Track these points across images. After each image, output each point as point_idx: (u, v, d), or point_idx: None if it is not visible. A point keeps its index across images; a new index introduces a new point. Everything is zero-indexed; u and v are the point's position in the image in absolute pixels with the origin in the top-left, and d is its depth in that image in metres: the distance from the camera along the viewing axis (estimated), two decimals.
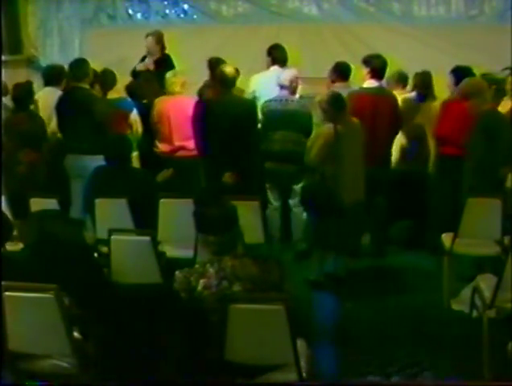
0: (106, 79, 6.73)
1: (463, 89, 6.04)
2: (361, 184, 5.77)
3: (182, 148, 6.68)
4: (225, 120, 6.14)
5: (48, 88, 7.00)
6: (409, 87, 6.99)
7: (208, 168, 6.47)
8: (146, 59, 7.90)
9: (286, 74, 6.61)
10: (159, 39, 7.92)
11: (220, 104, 6.24)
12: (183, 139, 6.68)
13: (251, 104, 6.47)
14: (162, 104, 6.73)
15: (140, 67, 7.84)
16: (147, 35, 7.94)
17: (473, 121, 5.75)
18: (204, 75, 7.28)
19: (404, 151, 6.61)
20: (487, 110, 5.77)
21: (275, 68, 7.06)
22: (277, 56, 7.25)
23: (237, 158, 6.15)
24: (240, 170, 6.18)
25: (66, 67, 7.14)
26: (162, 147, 6.75)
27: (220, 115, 6.17)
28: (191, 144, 6.67)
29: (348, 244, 5.96)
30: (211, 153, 6.31)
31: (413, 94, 6.74)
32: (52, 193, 5.38)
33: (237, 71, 6.47)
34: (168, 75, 6.79)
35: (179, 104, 6.66)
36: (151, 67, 7.81)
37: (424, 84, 6.64)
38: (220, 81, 6.30)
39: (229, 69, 6.33)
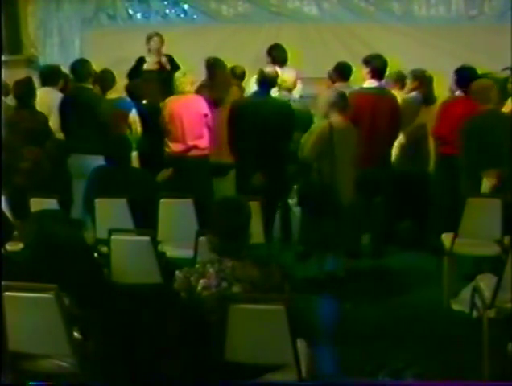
0: (106, 79, 6.73)
1: (472, 90, 5.98)
2: (352, 184, 5.78)
3: (195, 147, 6.64)
4: (262, 120, 6.04)
5: (45, 88, 6.99)
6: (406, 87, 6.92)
7: (241, 169, 6.32)
8: (148, 59, 7.90)
9: (287, 75, 6.62)
10: (163, 40, 7.98)
11: (259, 104, 6.14)
12: (195, 138, 6.64)
13: (289, 105, 6.32)
14: (173, 104, 6.68)
15: (149, 66, 7.85)
16: (152, 36, 7.95)
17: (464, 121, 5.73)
18: (204, 75, 7.29)
19: (404, 151, 6.61)
20: (481, 112, 5.71)
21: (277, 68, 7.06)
22: (276, 56, 7.27)
23: (270, 160, 6.06)
24: (271, 171, 6.07)
25: (66, 67, 7.15)
26: (174, 147, 6.65)
27: (259, 115, 6.06)
28: (202, 143, 6.65)
29: (346, 243, 5.96)
30: (245, 154, 6.18)
31: (413, 94, 6.70)
32: (54, 192, 5.38)
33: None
34: (178, 74, 6.76)
35: (190, 103, 6.63)
36: (157, 66, 7.85)
37: (429, 86, 6.62)
38: (261, 82, 6.22)
39: (269, 69, 6.31)
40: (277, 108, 6.16)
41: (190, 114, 6.61)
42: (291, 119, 6.15)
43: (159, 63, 7.90)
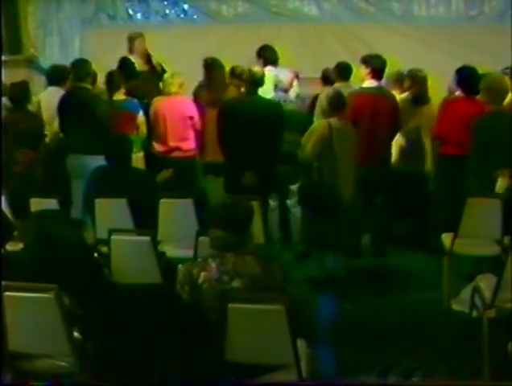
0: (113, 80, 6.71)
1: (484, 88, 5.93)
2: (352, 183, 5.77)
3: (177, 148, 6.67)
4: (251, 119, 6.01)
5: (52, 88, 7.01)
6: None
7: (230, 168, 6.28)
8: (134, 60, 7.78)
9: (285, 75, 6.63)
10: (144, 39, 7.84)
11: (248, 103, 6.14)
12: (178, 140, 6.67)
13: (279, 105, 6.34)
14: (158, 104, 6.71)
15: (141, 67, 7.79)
16: (136, 36, 7.75)
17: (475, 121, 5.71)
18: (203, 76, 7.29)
19: (403, 151, 6.60)
20: (491, 112, 5.70)
21: (271, 68, 7.07)
22: (269, 57, 7.26)
23: (259, 159, 6.03)
24: (261, 170, 6.03)
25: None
26: (157, 147, 6.72)
27: (248, 114, 6.04)
28: (186, 145, 6.68)
29: (346, 243, 5.97)
30: (234, 153, 6.16)
31: (405, 95, 6.68)
32: (52, 193, 5.38)
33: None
34: (166, 75, 6.78)
35: (175, 104, 6.65)
36: (148, 67, 7.76)
37: (421, 86, 6.61)
38: (248, 81, 6.21)
39: (256, 69, 6.32)
40: (266, 107, 6.14)
41: (174, 116, 6.63)
42: (280, 118, 6.12)
43: (149, 64, 7.77)
